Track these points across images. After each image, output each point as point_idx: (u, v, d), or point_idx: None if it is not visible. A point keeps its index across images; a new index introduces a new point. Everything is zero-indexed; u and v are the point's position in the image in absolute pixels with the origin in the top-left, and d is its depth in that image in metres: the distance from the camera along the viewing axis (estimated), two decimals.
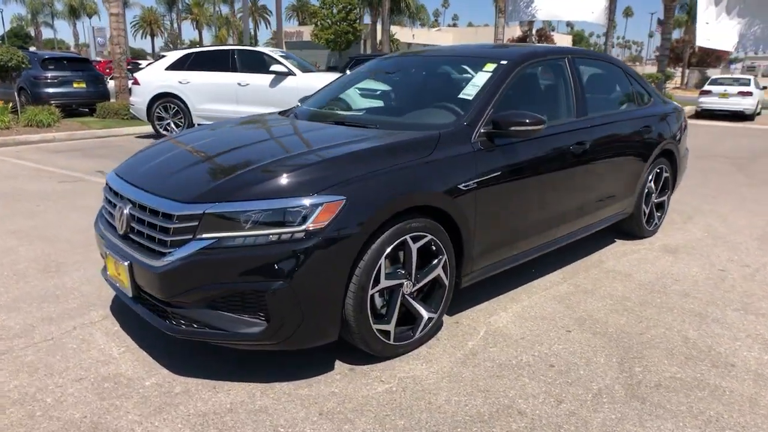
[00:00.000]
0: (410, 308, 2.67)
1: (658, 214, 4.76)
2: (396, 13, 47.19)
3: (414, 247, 2.58)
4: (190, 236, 2.27)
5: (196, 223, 2.26)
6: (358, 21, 45.27)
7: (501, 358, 2.69)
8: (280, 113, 3.87)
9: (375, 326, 2.51)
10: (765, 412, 2.31)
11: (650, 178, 4.44)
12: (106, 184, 2.90)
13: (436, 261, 2.72)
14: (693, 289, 3.59)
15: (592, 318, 3.14)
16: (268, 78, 9.86)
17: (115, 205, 2.68)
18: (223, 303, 2.29)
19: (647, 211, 4.55)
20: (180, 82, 10.06)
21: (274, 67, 9.84)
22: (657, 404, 2.34)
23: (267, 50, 10.43)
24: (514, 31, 49.24)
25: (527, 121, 2.87)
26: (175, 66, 10.22)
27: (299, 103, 4.02)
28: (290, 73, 9.81)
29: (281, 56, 10.19)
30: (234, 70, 10.04)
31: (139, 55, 53.31)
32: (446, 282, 2.79)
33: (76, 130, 10.85)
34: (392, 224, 2.46)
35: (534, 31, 46.24)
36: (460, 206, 2.74)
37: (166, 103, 10.21)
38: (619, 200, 4.12)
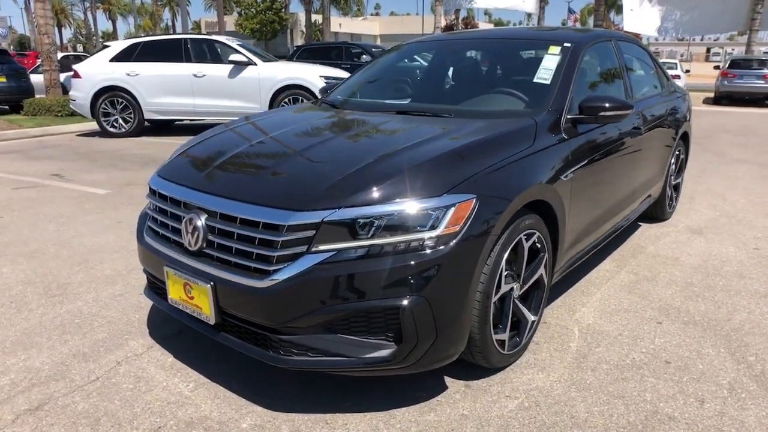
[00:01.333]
0: (517, 312, 2.45)
1: (675, 196, 4.80)
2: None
3: (526, 247, 2.36)
4: (304, 249, 1.92)
5: (312, 234, 1.91)
6: (284, 10, 44.08)
7: (613, 359, 2.52)
8: (313, 103, 3.49)
9: (494, 336, 2.26)
10: None
11: (673, 160, 4.44)
12: (153, 191, 2.46)
13: (538, 259, 2.50)
14: (744, 269, 3.59)
15: (673, 307, 3.05)
16: (227, 68, 9.24)
17: (178, 216, 2.26)
18: (343, 325, 1.96)
19: (669, 194, 4.56)
20: (128, 75, 9.23)
21: (233, 57, 9.23)
22: None
23: (223, 39, 9.77)
24: (439, 20, 49.77)
25: (614, 106, 2.70)
26: (121, 57, 9.35)
27: (322, 94, 3.64)
28: (250, 62, 9.24)
29: (239, 45, 9.57)
30: (188, 60, 9.32)
31: None
32: (545, 280, 2.59)
33: (5, 130, 9.73)
34: (510, 223, 2.22)
35: (460, 20, 47.12)
36: (561, 198, 2.54)
37: (112, 98, 9.34)
38: (654, 184, 4.08)
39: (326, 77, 9.51)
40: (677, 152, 4.53)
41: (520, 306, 2.44)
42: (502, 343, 2.33)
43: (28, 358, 2.53)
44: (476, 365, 2.35)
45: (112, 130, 9.51)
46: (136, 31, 56.77)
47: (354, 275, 1.90)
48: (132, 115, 9.45)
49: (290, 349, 2.01)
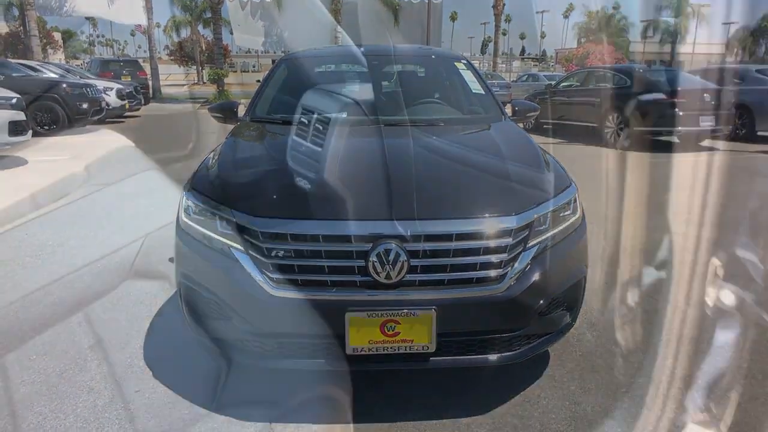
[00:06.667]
0: None
1: None
2: None
3: None
4: (521, 248, 2.10)
5: (527, 233, 2.12)
6: None
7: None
8: (253, 123, 3.12)
9: None
10: None
11: None
12: (281, 235, 2.00)
13: None
14: None
15: None
16: None
17: (345, 253, 1.99)
18: (547, 306, 2.22)
19: None
20: None
21: None
22: None
23: None
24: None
25: (535, 108, 3.58)
26: None
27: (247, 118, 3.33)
28: None
29: None
30: None
31: None
32: None
33: None
34: None
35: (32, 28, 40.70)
36: None
37: None
38: None
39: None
40: None
41: None
42: None
43: None
44: None
45: None
46: None
47: (556, 260, 2.20)
48: None
49: (520, 342, 2.16)
